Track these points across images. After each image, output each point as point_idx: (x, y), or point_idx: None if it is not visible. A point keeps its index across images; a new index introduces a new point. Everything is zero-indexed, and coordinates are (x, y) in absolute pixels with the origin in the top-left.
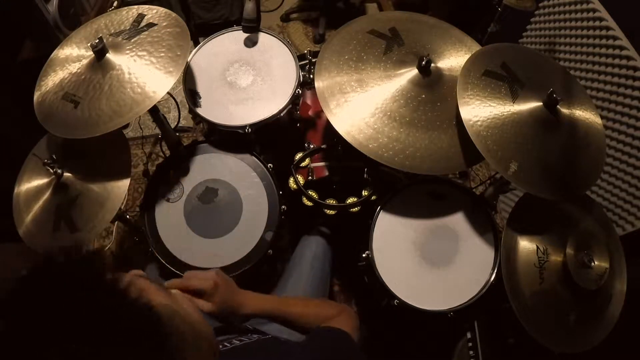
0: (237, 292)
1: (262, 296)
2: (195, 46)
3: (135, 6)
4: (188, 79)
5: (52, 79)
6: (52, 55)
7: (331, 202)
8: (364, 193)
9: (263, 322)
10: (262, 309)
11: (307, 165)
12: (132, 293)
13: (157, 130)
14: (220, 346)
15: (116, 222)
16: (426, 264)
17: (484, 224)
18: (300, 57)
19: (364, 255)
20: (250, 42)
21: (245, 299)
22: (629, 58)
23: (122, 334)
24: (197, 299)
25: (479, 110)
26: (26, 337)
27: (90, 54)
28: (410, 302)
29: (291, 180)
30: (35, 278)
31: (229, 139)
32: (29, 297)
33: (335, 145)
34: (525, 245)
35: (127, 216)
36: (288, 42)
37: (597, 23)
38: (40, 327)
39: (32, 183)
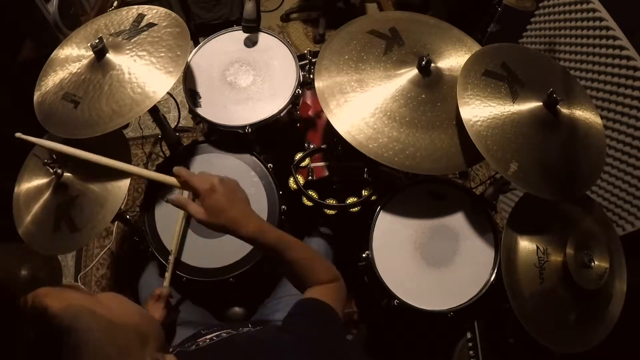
0: (239, 206)
1: (269, 225)
2: (195, 46)
3: (135, 6)
4: (188, 79)
5: (52, 79)
6: (52, 55)
7: (331, 202)
8: (364, 193)
9: (263, 320)
10: (263, 233)
11: (307, 165)
12: (28, 303)
13: (157, 130)
14: (208, 340)
15: (116, 222)
16: (426, 264)
17: (484, 224)
18: (300, 57)
19: (364, 255)
20: (250, 42)
21: (249, 218)
22: (629, 58)
23: (15, 337)
24: (191, 204)
25: (479, 110)
26: None
27: (90, 54)
28: (410, 302)
29: (291, 180)
30: None
31: (229, 139)
32: None
33: (335, 145)
34: (525, 245)
35: (127, 216)
36: (288, 42)
37: (597, 23)
38: None
39: (32, 183)
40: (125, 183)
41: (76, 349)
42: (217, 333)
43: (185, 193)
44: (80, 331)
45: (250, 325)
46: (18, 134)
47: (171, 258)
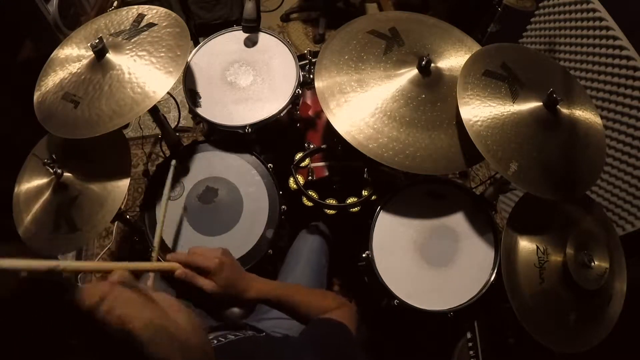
0: (242, 275)
1: (267, 281)
2: (195, 46)
3: (135, 6)
4: (188, 79)
5: (52, 79)
6: (52, 55)
7: (331, 202)
8: (364, 193)
9: (259, 319)
10: (265, 294)
11: (307, 165)
12: (106, 318)
13: (157, 130)
14: (215, 341)
15: (116, 222)
16: (426, 264)
17: (484, 224)
18: (300, 57)
19: (364, 255)
20: (250, 42)
21: (250, 283)
22: (629, 58)
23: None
24: (200, 278)
25: (479, 110)
26: None
27: (90, 54)
28: (410, 302)
29: (291, 180)
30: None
31: (229, 139)
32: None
33: (335, 145)
34: (525, 245)
35: (127, 216)
36: (288, 42)
37: (597, 23)
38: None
39: (32, 183)
40: (125, 183)
41: None
42: (222, 333)
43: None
44: (159, 354)
45: (253, 332)
46: None
47: (154, 254)
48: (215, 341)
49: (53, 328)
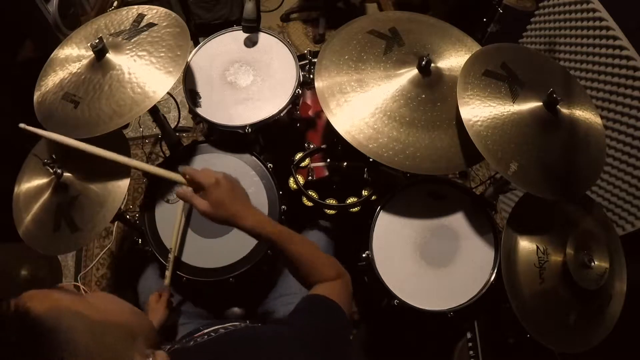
0: (240, 200)
1: (268, 218)
2: (195, 46)
3: (135, 6)
4: (188, 79)
5: (52, 79)
6: (52, 55)
7: (331, 202)
8: (364, 193)
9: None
10: (264, 228)
11: (307, 165)
12: (11, 306)
13: (157, 130)
14: (206, 336)
15: (116, 222)
16: (426, 264)
17: (484, 224)
18: (300, 57)
19: (364, 255)
20: (250, 42)
21: (249, 210)
22: (629, 58)
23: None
24: (196, 197)
25: (479, 110)
26: None
27: (90, 54)
28: (410, 302)
29: (291, 180)
30: None
31: (229, 139)
32: None
33: (335, 145)
34: (525, 245)
35: (127, 216)
36: (288, 42)
37: (597, 23)
38: None
39: (32, 183)
40: (125, 183)
41: (59, 348)
42: (215, 328)
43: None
44: (63, 332)
45: (248, 322)
46: (22, 125)
47: (171, 256)
48: (206, 335)
49: None
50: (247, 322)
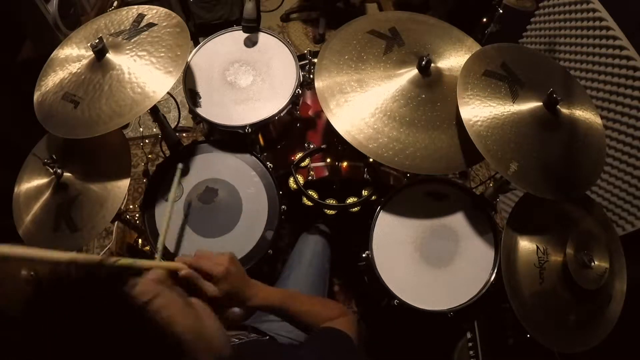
0: (247, 282)
1: (271, 289)
2: (195, 46)
3: (135, 6)
4: (188, 79)
5: (52, 79)
6: (52, 55)
7: (331, 202)
8: (364, 193)
9: (262, 321)
10: (269, 302)
11: (307, 165)
12: (155, 318)
13: (157, 130)
14: None
15: (116, 222)
16: (426, 264)
17: (484, 224)
18: (300, 57)
19: (364, 255)
20: (250, 42)
21: (253, 291)
22: (629, 58)
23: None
24: (204, 282)
25: (479, 110)
26: (39, 352)
27: (90, 54)
28: (410, 302)
29: (291, 180)
30: (54, 290)
31: (229, 139)
32: (47, 310)
33: (335, 145)
34: (525, 245)
35: (127, 216)
36: (288, 42)
37: (597, 23)
38: (55, 345)
39: (32, 183)
40: (125, 183)
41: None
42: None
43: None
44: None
45: (255, 335)
46: None
47: (157, 256)
48: None
49: (106, 317)
50: (254, 335)
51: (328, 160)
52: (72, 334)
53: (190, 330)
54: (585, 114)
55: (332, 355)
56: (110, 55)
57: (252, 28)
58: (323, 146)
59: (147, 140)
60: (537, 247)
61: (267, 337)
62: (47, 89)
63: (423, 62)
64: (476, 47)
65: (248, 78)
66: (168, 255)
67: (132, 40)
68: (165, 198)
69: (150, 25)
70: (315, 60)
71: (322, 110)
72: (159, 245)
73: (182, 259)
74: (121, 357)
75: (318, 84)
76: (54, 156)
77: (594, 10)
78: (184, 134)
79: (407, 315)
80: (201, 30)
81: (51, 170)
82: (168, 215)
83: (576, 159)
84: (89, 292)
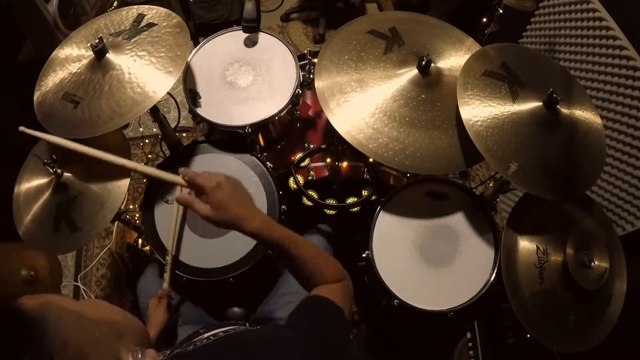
0: (244, 203)
1: (273, 222)
2: (195, 46)
3: (135, 6)
4: (188, 79)
5: (52, 79)
6: (52, 55)
7: (331, 202)
8: (364, 193)
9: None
10: (269, 232)
11: (307, 165)
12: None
13: (157, 130)
14: (205, 340)
15: (116, 222)
16: (426, 264)
17: (484, 224)
18: (300, 57)
19: (364, 255)
20: (250, 42)
21: (253, 213)
22: (629, 58)
23: None
24: (197, 202)
25: (479, 110)
26: None
27: (90, 54)
28: (410, 302)
29: (291, 180)
30: None
31: (229, 139)
32: None
33: (335, 145)
34: (525, 245)
35: (127, 216)
36: (288, 42)
37: (597, 23)
38: None
39: (32, 183)
40: (125, 183)
41: (46, 338)
42: (215, 332)
43: (185, 191)
44: (51, 323)
45: (247, 324)
46: (22, 128)
47: (169, 258)
48: (205, 339)
49: None
50: (247, 324)
51: (328, 160)
52: None
53: (43, 307)
54: (585, 114)
55: (317, 342)
56: (110, 55)
57: (252, 28)
58: (323, 146)
59: (147, 140)
60: (537, 247)
61: (256, 327)
62: (47, 89)
63: (423, 62)
64: (476, 47)
65: (248, 78)
66: (166, 255)
67: (132, 40)
68: (164, 199)
69: (150, 25)
70: (315, 60)
71: (322, 110)
72: (169, 247)
73: (183, 171)
74: None
75: (318, 84)
76: (54, 156)
77: (594, 10)
78: (184, 134)
79: (407, 315)
80: (201, 30)
81: (51, 170)
82: (176, 216)
83: (576, 159)
84: None
